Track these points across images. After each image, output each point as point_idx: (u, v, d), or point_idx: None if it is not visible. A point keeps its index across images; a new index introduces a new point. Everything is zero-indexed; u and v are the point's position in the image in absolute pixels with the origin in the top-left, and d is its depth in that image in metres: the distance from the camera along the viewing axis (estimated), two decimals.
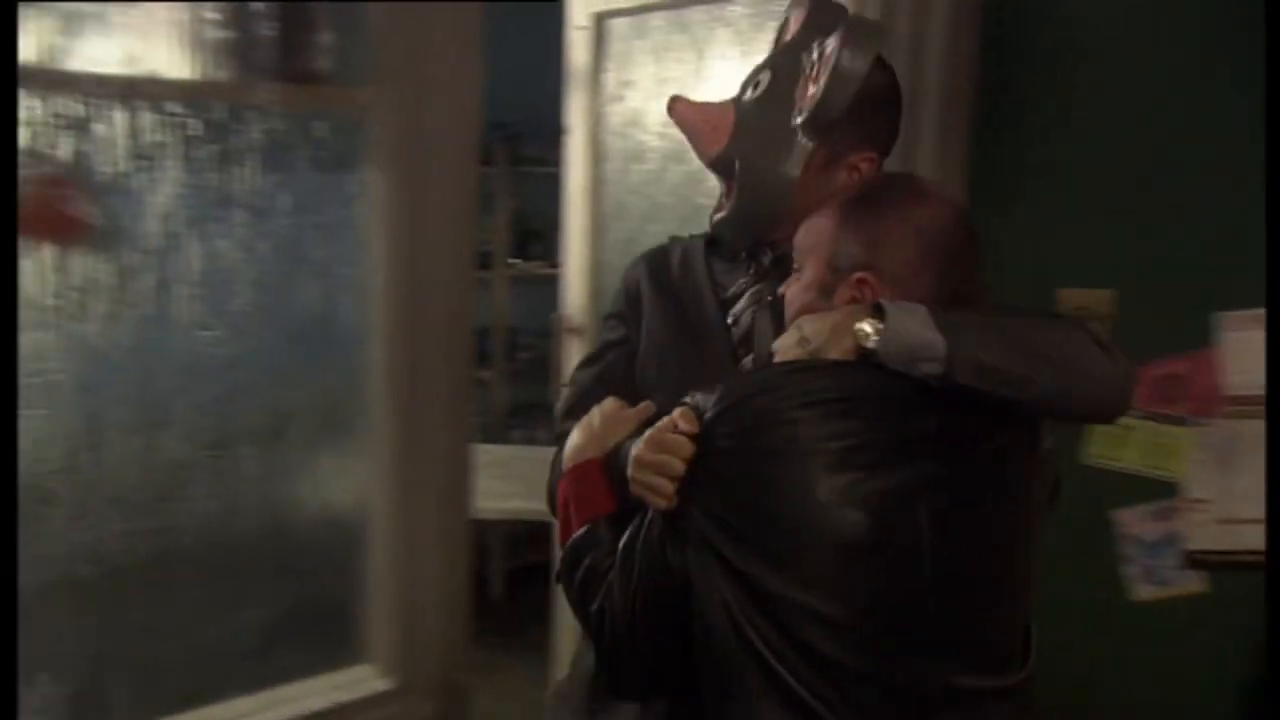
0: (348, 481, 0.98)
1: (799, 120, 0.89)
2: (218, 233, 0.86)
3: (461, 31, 0.94)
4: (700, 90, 1.51)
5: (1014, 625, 0.79)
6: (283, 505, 0.94)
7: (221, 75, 0.86)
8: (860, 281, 0.79)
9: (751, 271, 0.93)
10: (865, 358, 0.75)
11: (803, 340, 0.78)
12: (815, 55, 0.89)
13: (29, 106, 0.75)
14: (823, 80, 0.87)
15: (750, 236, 0.93)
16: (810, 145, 0.88)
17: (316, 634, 0.97)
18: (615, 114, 1.86)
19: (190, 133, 0.83)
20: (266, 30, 0.87)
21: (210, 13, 0.84)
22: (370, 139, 0.93)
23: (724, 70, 1.58)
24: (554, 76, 1.89)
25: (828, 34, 0.89)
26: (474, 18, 0.95)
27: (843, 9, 0.95)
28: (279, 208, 0.89)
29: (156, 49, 0.82)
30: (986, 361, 0.73)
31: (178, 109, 0.82)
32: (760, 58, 0.95)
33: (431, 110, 0.93)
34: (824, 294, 0.81)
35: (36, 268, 0.77)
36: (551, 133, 2.04)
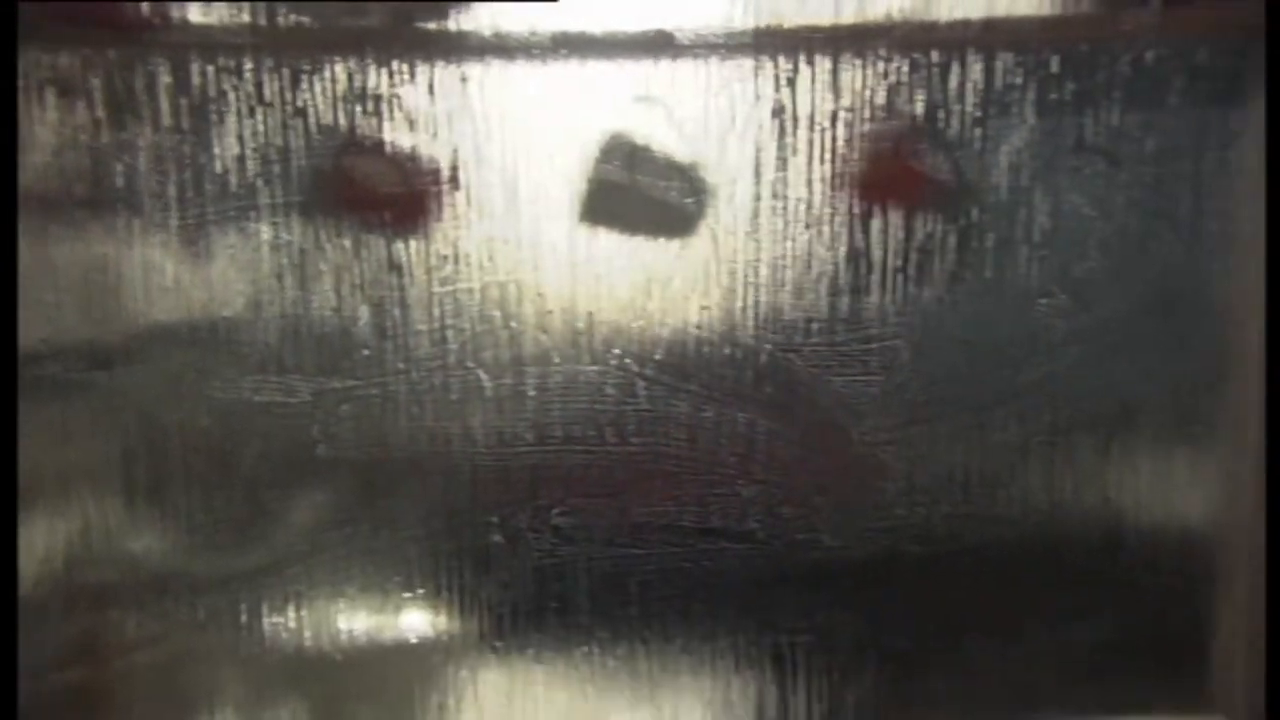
0: (1203, 490, 0.80)
1: None
2: (1068, 185, 0.75)
3: None
4: None
5: None
6: (1121, 509, 0.80)
7: (1085, 5, 0.74)
8: None
9: None
10: None
11: None
12: None
13: (889, 59, 0.72)
14: None
15: None
16: None
17: (1156, 668, 0.82)
18: None
19: (1047, 73, 0.73)
20: None
21: None
22: (1261, 64, 0.75)
23: None
24: None
25: None
26: None
27: None
28: (1140, 153, 0.75)
29: None
30: None
31: (1037, 47, 0.73)
32: None
33: None
34: None
35: (883, 229, 0.74)
36: None
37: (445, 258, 0.71)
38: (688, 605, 0.77)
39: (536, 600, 0.75)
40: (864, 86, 0.72)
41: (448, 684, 0.75)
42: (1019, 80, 0.74)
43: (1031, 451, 0.78)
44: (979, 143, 0.74)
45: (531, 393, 0.73)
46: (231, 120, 0.67)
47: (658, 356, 0.74)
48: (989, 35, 0.73)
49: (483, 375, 0.72)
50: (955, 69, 0.73)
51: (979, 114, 0.74)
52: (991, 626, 0.80)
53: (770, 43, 0.71)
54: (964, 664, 0.80)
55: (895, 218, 0.74)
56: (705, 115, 0.71)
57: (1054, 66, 0.73)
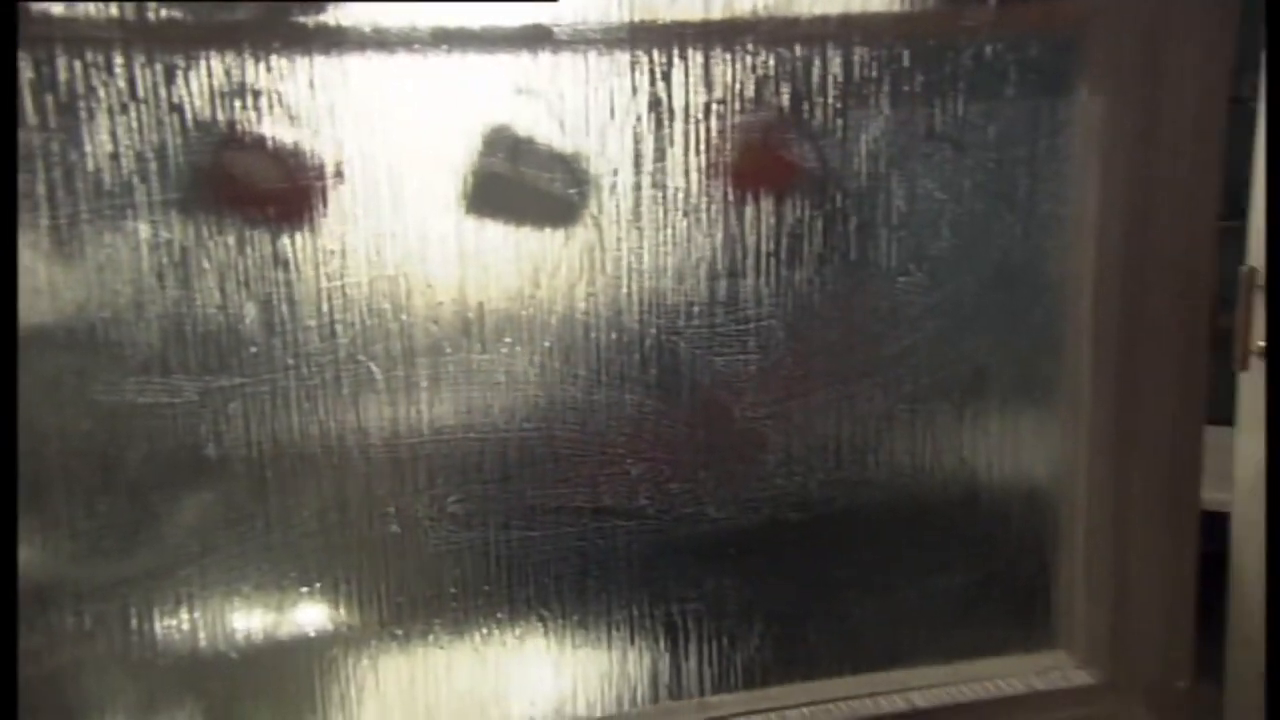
0: (1044, 449, 0.88)
1: None
2: (921, 171, 0.81)
3: None
4: None
5: None
6: (977, 469, 0.87)
7: (931, 2, 0.80)
8: None
9: None
10: None
11: None
12: None
13: (756, 53, 0.76)
14: None
15: None
16: None
17: (1009, 612, 0.89)
18: None
19: (899, 66, 0.79)
20: None
21: None
22: (1089, 57, 0.82)
23: None
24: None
25: None
26: None
27: None
28: (983, 140, 0.82)
29: None
30: None
31: (889, 42, 0.78)
32: None
33: (1166, 19, 0.79)
34: None
35: (756, 214, 0.79)
36: None
37: (332, 252, 0.71)
38: (583, 582, 0.80)
39: (435, 586, 0.77)
40: (734, 80, 0.76)
41: (349, 674, 0.76)
42: (874, 73, 0.79)
43: (895, 419, 0.84)
44: (840, 132, 0.79)
45: (424, 383, 0.74)
46: (103, 117, 0.65)
47: (547, 343, 0.76)
48: (846, 30, 0.77)
49: (374, 368, 0.73)
50: (817, 62, 0.78)
51: (840, 105, 0.79)
52: (864, 584, 0.86)
53: (645, 37, 0.74)
54: (841, 620, 0.86)
55: (766, 204, 0.79)
56: (585, 108, 0.74)
57: (905, 60, 0.79)
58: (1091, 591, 0.89)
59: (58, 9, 0.64)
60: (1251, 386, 1.78)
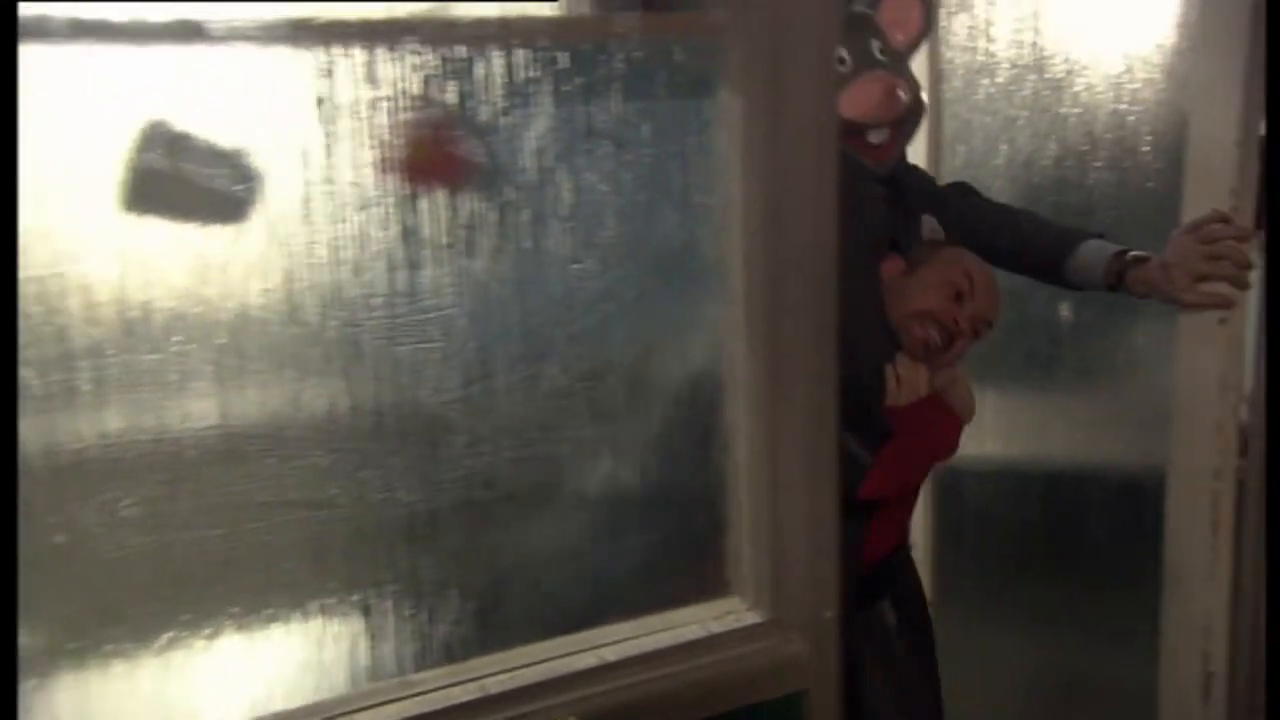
0: (711, 419, 0.97)
1: None
2: (585, 165, 0.87)
3: None
4: None
5: None
6: (653, 439, 0.95)
7: (584, 8, 0.87)
8: None
9: None
10: None
11: None
12: None
13: (420, 53, 0.79)
14: None
15: None
16: None
17: (687, 567, 0.98)
18: (957, 27, 1.75)
19: (559, 68, 0.84)
20: None
21: None
22: (726, 62, 0.91)
23: None
24: None
25: None
26: None
27: None
28: (640, 137, 0.89)
29: None
30: None
31: (547, 45, 0.84)
32: None
33: (788, 30, 0.90)
34: None
35: (431, 208, 0.82)
36: None
37: None
38: (270, 576, 0.80)
39: (111, 595, 0.74)
40: (399, 77, 0.79)
41: (18, 700, 0.72)
42: (536, 74, 0.84)
43: (574, 396, 0.90)
44: (508, 129, 0.84)
45: (86, 387, 0.71)
46: None
47: (220, 340, 0.75)
48: (505, 33, 0.82)
49: (28, 373, 0.69)
50: (480, 62, 0.82)
51: (505, 103, 0.83)
52: (554, 552, 0.92)
53: (305, 35, 0.75)
54: (533, 589, 0.91)
55: (440, 198, 0.82)
56: (249, 103, 0.74)
57: (564, 62, 0.85)
58: (755, 544, 0.99)
59: None
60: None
